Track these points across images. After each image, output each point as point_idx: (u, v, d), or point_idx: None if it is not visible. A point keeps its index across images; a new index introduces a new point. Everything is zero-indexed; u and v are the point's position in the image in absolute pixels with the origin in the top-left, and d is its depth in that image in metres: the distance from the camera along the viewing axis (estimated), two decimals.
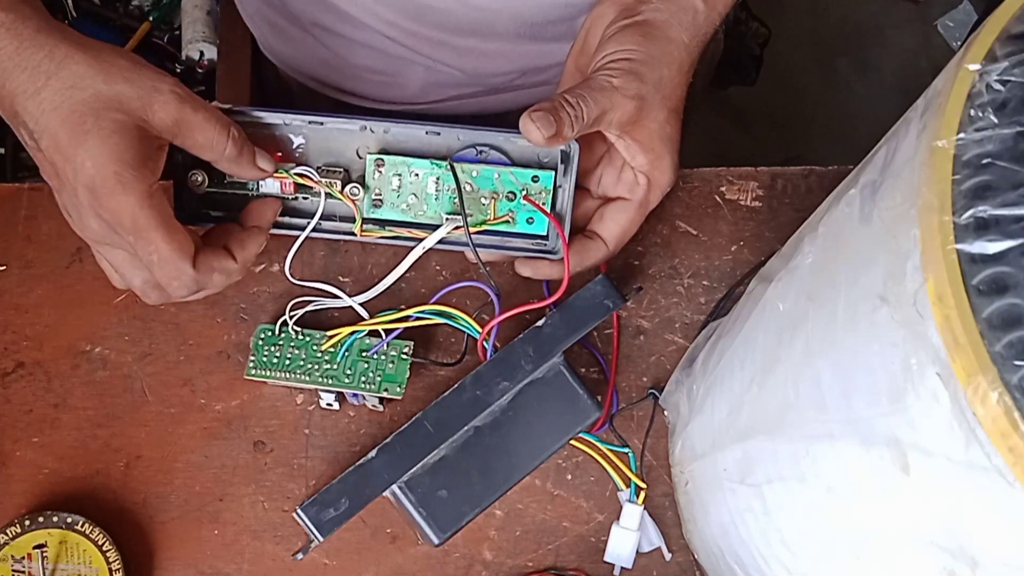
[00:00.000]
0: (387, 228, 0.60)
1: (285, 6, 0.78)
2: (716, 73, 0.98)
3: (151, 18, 1.08)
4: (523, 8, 0.69)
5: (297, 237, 0.60)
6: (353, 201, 0.59)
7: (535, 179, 0.60)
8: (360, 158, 0.60)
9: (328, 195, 0.59)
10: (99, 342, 0.66)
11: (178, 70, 1.06)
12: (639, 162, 0.59)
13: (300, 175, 0.59)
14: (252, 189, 0.60)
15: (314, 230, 0.60)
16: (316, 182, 0.59)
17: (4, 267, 0.67)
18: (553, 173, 0.59)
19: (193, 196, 0.59)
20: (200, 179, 0.59)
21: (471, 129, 0.59)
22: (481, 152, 0.60)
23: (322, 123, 0.59)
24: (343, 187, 0.59)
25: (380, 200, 0.60)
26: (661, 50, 0.58)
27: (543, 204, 0.60)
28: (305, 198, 0.60)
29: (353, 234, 0.60)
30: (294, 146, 0.60)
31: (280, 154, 0.59)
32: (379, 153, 0.59)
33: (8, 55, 0.50)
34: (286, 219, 0.61)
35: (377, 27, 0.74)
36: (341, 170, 0.60)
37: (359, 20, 0.74)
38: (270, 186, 0.59)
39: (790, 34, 1.75)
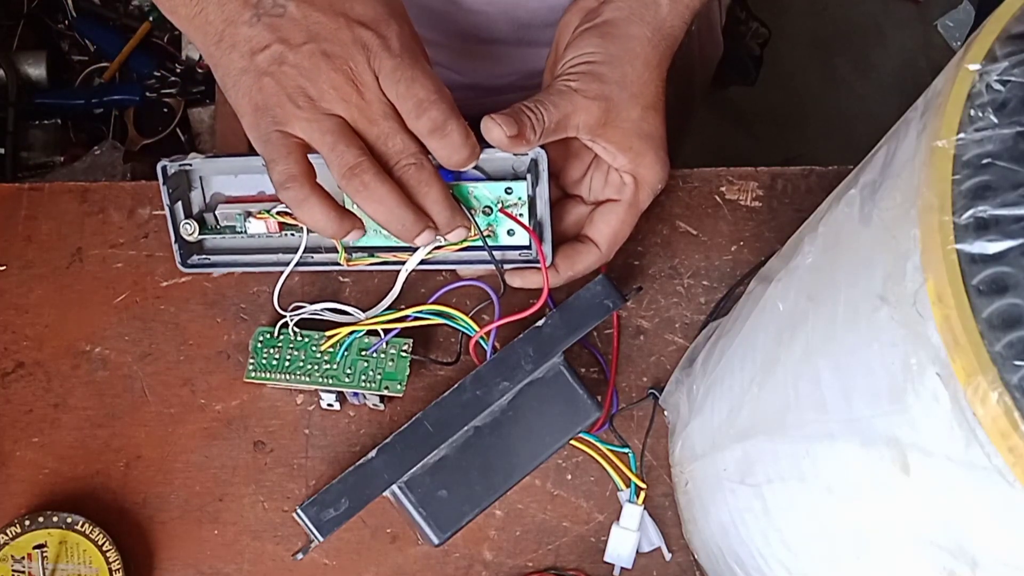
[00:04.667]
0: (373, 254, 0.61)
1: None
2: (716, 73, 0.98)
3: (151, 18, 1.08)
4: (519, 12, 0.69)
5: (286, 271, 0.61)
6: None
7: (508, 191, 0.59)
8: (341, 188, 0.60)
9: (310, 231, 0.60)
10: (99, 342, 0.66)
11: (178, 70, 1.06)
12: (620, 162, 0.59)
13: (281, 213, 0.60)
14: (241, 232, 0.61)
15: (303, 264, 0.61)
16: (298, 220, 0.58)
17: (4, 267, 0.67)
18: (526, 183, 0.59)
19: (187, 244, 0.61)
20: (191, 229, 0.61)
21: None
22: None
23: None
24: None
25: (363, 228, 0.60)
26: (621, 48, 0.57)
27: (520, 215, 0.59)
28: (292, 234, 0.61)
29: (340, 264, 0.61)
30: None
31: (263, 192, 0.61)
32: None
33: None
34: (272, 256, 0.62)
35: None
36: None
37: None
38: (256, 227, 0.60)
39: (790, 34, 1.75)
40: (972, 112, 0.35)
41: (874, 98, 1.74)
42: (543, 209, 0.59)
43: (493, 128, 0.54)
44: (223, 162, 0.61)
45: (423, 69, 0.52)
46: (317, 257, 0.62)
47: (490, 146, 0.56)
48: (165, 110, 1.05)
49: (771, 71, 1.66)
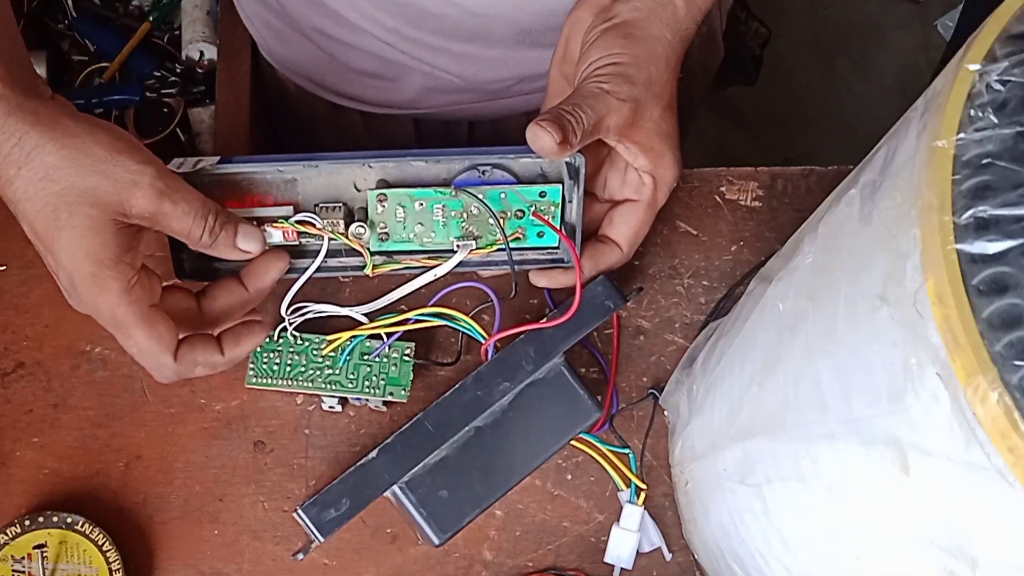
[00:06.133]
0: (396, 259, 0.60)
1: (284, 10, 0.78)
2: (716, 74, 0.98)
3: (151, 18, 1.08)
4: (521, 14, 0.69)
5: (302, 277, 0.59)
6: (360, 243, 0.58)
7: (542, 195, 0.59)
8: (359, 191, 0.59)
9: (332, 239, 0.58)
10: (99, 342, 0.66)
11: (178, 70, 1.06)
12: (641, 163, 0.59)
13: (301, 222, 0.57)
14: None
15: (323, 269, 0.59)
16: (319, 229, 0.57)
17: (4, 267, 0.67)
18: (560, 187, 0.59)
19: (192, 254, 0.58)
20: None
21: (470, 152, 0.58)
22: (484, 172, 0.59)
23: (317, 166, 0.58)
24: (346, 227, 0.58)
25: (386, 234, 0.59)
26: (646, 49, 0.57)
27: (552, 218, 0.59)
28: (307, 241, 0.59)
29: (360, 268, 0.59)
30: (289, 180, 0.59)
31: (274, 199, 0.59)
32: (379, 185, 0.58)
33: None
34: (291, 262, 0.59)
35: (375, 32, 0.73)
36: (341, 205, 0.58)
37: (358, 25, 0.74)
38: (273, 235, 0.58)
39: (790, 34, 1.75)
40: (972, 112, 0.35)
41: (874, 98, 1.74)
42: (575, 215, 0.59)
43: (542, 135, 0.53)
44: (229, 167, 0.58)
45: (137, 340, 0.52)
46: (332, 263, 0.60)
47: (517, 146, 0.55)
48: (165, 110, 1.05)
49: (771, 71, 1.65)
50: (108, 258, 0.50)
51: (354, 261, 0.60)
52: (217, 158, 0.57)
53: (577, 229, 0.59)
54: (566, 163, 0.58)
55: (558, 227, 0.59)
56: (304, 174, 0.58)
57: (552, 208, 0.59)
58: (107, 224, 0.50)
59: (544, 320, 0.59)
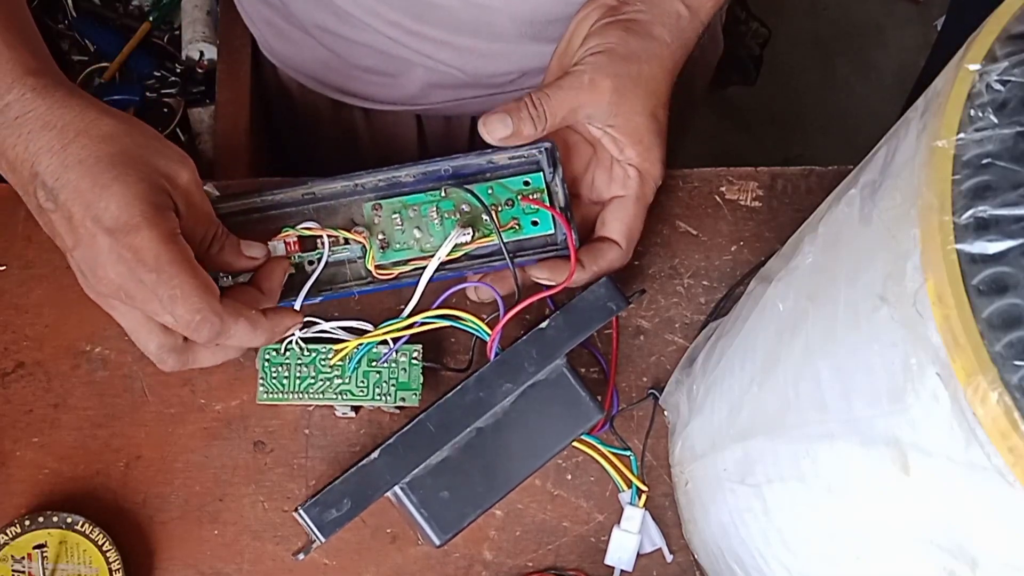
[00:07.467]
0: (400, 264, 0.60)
1: (286, 8, 0.78)
2: (716, 73, 0.98)
3: (151, 18, 1.08)
4: (524, 6, 0.69)
5: (315, 303, 0.59)
6: (361, 235, 0.59)
7: (526, 183, 0.60)
8: (356, 224, 0.60)
9: (333, 245, 0.59)
10: (99, 342, 0.66)
11: (178, 70, 1.06)
12: (628, 155, 0.60)
13: (307, 227, 0.59)
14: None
15: (322, 291, 0.59)
16: (321, 229, 0.58)
17: (4, 267, 0.67)
18: (541, 173, 0.61)
19: None
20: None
21: (454, 159, 0.60)
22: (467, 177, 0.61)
23: (314, 193, 0.59)
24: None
25: (386, 242, 0.60)
26: (642, 46, 0.60)
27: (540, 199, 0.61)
28: (311, 263, 0.60)
29: (363, 277, 0.60)
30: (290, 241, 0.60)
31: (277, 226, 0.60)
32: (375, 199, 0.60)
33: (38, 115, 0.50)
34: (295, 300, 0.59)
35: (378, 27, 0.74)
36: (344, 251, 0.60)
37: (361, 21, 0.74)
38: (277, 248, 0.59)
39: (790, 34, 1.75)
40: (972, 112, 0.35)
41: (874, 98, 1.74)
42: (559, 188, 0.60)
43: (486, 134, 0.58)
44: (234, 203, 0.59)
45: (181, 280, 0.50)
46: (339, 284, 0.60)
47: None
48: (165, 110, 1.05)
49: (771, 71, 1.66)
50: (158, 203, 0.51)
51: (358, 283, 0.60)
52: (217, 193, 0.58)
53: (568, 209, 0.60)
54: (537, 152, 0.60)
55: (548, 204, 0.60)
56: (302, 220, 0.59)
57: (538, 194, 0.61)
58: (160, 183, 0.51)
59: (546, 322, 0.59)
